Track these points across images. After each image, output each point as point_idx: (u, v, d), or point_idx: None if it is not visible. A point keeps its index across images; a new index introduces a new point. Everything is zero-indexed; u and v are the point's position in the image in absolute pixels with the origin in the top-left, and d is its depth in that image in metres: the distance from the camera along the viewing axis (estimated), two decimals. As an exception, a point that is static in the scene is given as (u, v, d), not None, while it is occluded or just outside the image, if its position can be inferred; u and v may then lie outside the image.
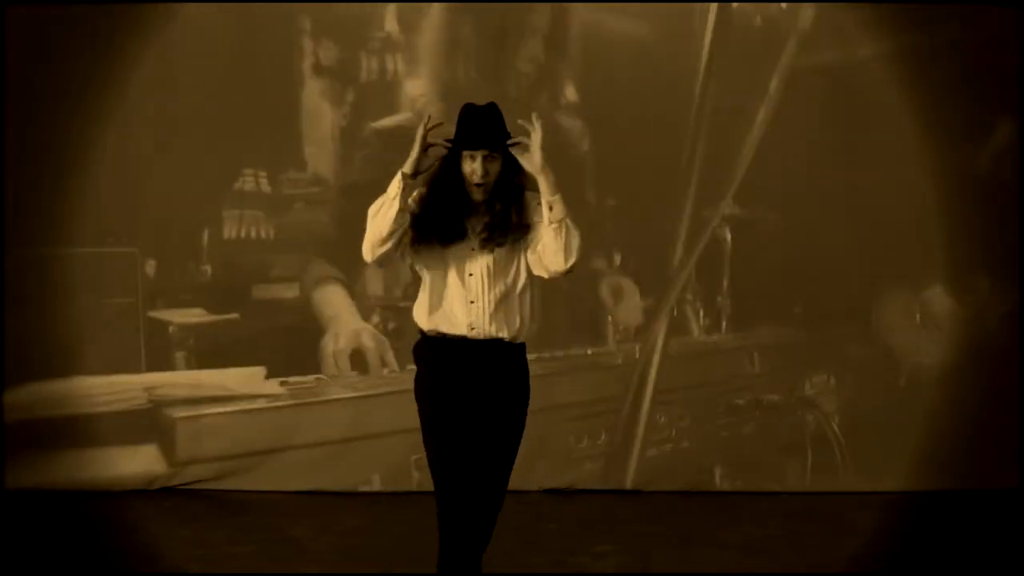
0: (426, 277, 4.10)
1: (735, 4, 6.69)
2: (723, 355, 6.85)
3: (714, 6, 6.67)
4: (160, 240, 6.75)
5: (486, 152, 4.00)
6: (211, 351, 6.73)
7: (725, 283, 6.81)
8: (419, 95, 6.73)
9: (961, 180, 6.60)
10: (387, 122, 6.74)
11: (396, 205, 3.95)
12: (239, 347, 6.74)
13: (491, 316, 4.01)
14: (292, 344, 6.78)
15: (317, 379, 6.72)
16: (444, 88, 6.65)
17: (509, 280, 4.04)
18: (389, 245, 3.99)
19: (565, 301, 6.69)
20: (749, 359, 6.86)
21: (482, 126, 4.01)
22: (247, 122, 6.69)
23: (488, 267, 4.02)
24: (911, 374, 6.70)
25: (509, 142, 4.02)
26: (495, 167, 4.03)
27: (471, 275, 4.02)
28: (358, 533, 5.89)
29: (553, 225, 3.95)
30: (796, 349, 6.80)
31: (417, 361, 4.15)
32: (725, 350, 6.86)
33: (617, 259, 6.84)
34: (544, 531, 5.82)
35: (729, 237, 6.79)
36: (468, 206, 4.05)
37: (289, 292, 6.84)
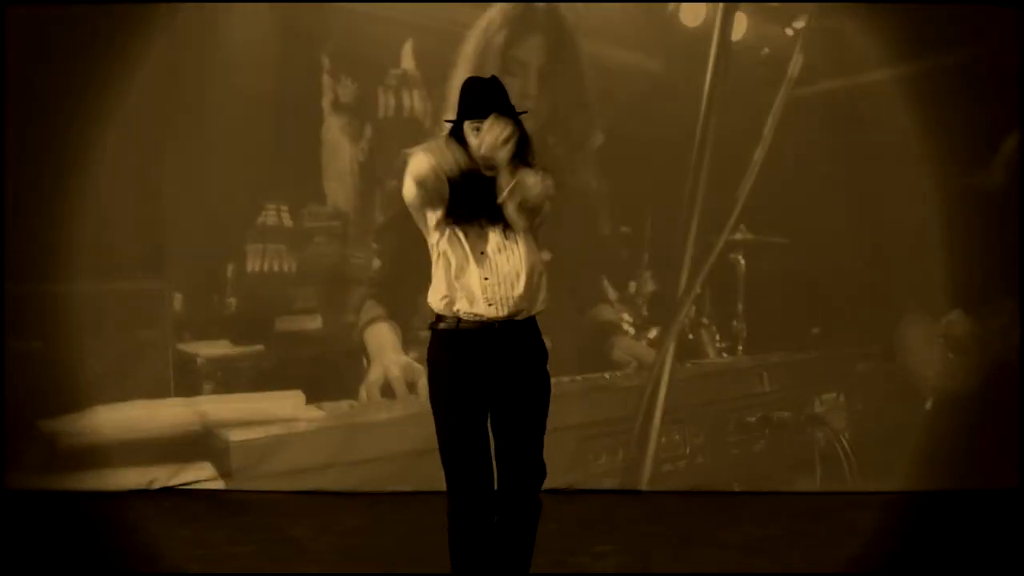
0: (443, 256, 4.01)
1: (740, 34, 6.68)
2: (734, 374, 6.87)
3: (715, 33, 6.63)
4: (186, 274, 6.87)
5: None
6: (238, 382, 6.84)
7: (740, 307, 6.82)
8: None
9: (966, 190, 6.55)
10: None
11: None
12: (265, 378, 6.85)
13: (507, 292, 3.95)
14: (317, 373, 6.89)
15: (350, 405, 6.80)
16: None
17: (523, 254, 3.98)
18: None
19: (577, 341, 6.76)
20: (759, 378, 6.86)
21: (487, 96, 3.94)
22: (269, 158, 6.80)
23: (501, 243, 3.96)
24: (917, 386, 6.67)
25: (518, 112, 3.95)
26: None
27: (482, 253, 3.96)
28: (358, 533, 5.88)
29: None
30: (807, 367, 6.79)
31: (431, 361, 4.06)
32: (737, 369, 6.88)
33: (632, 287, 6.86)
34: (544, 531, 5.77)
35: (743, 261, 6.81)
36: (478, 181, 3.93)
37: (312, 323, 6.97)
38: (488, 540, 4.02)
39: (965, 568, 5.35)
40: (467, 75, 6.59)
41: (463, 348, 3.99)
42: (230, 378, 6.84)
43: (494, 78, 4.01)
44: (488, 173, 3.91)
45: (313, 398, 6.81)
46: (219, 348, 6.90)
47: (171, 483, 6.58)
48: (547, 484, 4.54)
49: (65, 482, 6.53)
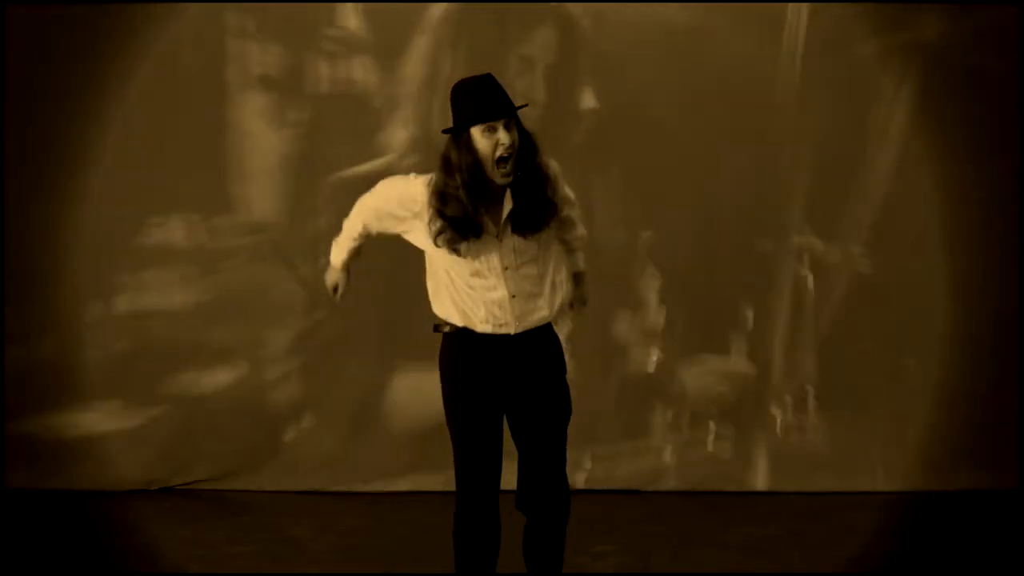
0: (441, 272, 3.86)
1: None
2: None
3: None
4: (54, 309, 5.68)
5: (506, 119, 3.67)
6: (124, 466, 5.76)
7: (805, 336, 6.12)
8: (402, 139, 5.81)
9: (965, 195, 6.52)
10: (362, 168, 5.67)
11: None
12: (166, 455, 5.75)
13: (519, 310, 3.81)
14: (232, 449, 5.69)
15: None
16: (426, 134, 5.65)
17: (537, 263, 3.84)
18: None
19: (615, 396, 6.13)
20: None
21: (494, 93, 3.69)
22: (165, 155, 5.67)
23: (514, 254, 3.78)
24: (916, 385, 6.55)
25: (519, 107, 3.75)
26: (516, 136, 3.70)
27: (492, 268, 3.78)
28: (358, 533, 5.88)
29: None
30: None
31: (442, 363, 3.93)
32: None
33: (659, 316, 5.89)
34: (544, 531, 5.81)
35: (810, 276, 6.10)
36: (487, 193, 3.74)
37: (224, 375, 5.59)
38: (492, 544, 3.92)
39: (965, 568, 5.35)
40: (456, 65, 5.64)
41: (473, 352, 3.86)
42: (112, 458, 5.61)
43: (489, 75, 3.76)
44: (500, 181, 3.72)
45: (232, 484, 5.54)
46: (97, 416, 5.45)
47: (171, 483, 6.57)
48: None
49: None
